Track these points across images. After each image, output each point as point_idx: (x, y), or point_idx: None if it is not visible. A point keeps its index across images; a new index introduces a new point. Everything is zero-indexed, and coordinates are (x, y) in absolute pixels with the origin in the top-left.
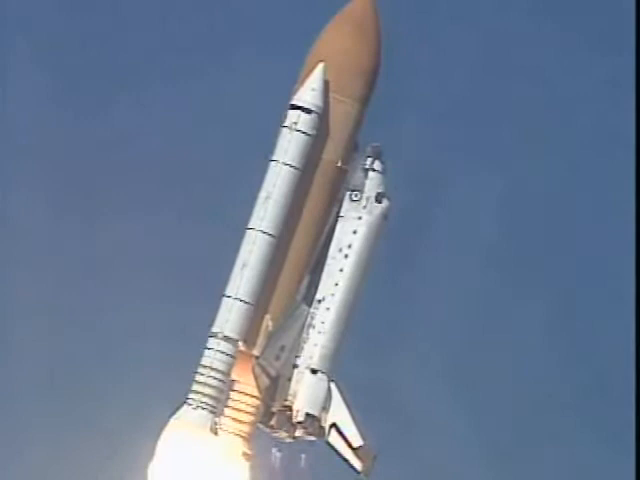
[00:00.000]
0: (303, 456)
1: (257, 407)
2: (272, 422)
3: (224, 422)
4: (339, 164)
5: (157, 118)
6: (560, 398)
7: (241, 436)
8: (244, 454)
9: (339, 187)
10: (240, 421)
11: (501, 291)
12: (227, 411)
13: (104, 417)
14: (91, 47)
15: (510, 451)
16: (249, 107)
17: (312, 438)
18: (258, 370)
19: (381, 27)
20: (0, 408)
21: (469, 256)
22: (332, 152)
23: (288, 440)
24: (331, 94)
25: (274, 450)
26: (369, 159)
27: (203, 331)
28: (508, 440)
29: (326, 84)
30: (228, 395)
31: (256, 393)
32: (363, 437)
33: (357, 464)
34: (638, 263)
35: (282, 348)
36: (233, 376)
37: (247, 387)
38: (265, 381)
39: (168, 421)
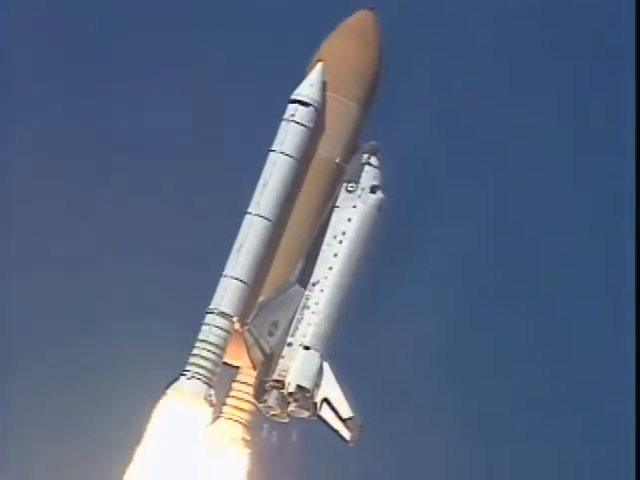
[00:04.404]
0: (295, 431)
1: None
2: (265, 397)
3: (226, 410)
4: (337, 161)
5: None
6: (557, 393)
7: (241, 423)
8: (243, 439)
9: (337, 183)
10: (241, 409)
11: (493, 278)
12: (229, 400)
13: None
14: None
15: (503, 446)
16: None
17: (304, 414)
18: (250, 339)
19: (381, 37)
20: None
21: (460, 247)
22: (330, 149)
23: (282, 420)
24: (330, 94)
25: (266, 426)
26: (365, 155)
27: None
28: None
29: (325, 84)
30: (230, 386)
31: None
32: (352, 409)
33: (346, 434)
34: (638, 264)
35: (275, 324)
36: (235, 362)
37: (248, 377)
38: (259, 355)
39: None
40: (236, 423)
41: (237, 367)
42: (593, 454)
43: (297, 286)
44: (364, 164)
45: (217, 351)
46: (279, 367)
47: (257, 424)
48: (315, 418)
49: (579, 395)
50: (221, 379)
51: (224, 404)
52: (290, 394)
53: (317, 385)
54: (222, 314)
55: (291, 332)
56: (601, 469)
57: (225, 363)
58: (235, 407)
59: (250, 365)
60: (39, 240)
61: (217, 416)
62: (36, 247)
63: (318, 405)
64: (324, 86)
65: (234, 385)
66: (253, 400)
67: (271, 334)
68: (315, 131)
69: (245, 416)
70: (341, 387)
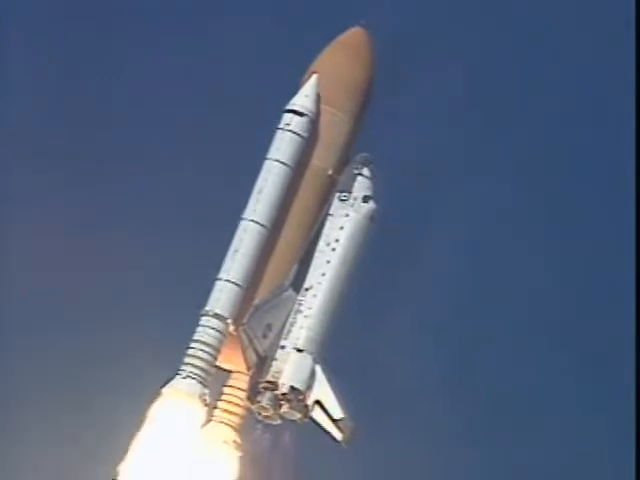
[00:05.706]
0: (287, 433)
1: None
2: (258, 398)
3: (217, 413)
4: (330, 172)
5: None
6: (557, 392)
7: (232, 427)
8: (234, 442)
9: (329, 193)
10: (232, 413)
11: (484, 285)
12: (220, 403)
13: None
14: None
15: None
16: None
17: (296, 415)
18: (245, 339)
19: (374, 53)
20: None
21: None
22: (323, 159)
23: (274, 422)
24: (323, 106)
25: (258, 427)
26: (358, 166)
27: None
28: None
29: (319, 96)
30: (222, 390)
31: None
32: (344, 411)
33: (337, 435)
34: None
35: (269, 327)
36: (227, 365)
37: (240, 382)
38: (253, 356)
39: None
40: (227, 426)
41: (229, 371)
42: (593, 454)
43: (290, 290)
44: (356, 175)
45: (211, 352)
46: (272, 369)
47: (249, 427)
48: (307, 420)
49: (578, 395)
50: (213, 383)
51: (215, 407)
52: (283, 395)
53: (309, 387)
54: (217, 316)
55: (284, 335)
56: (601, 469)
57: (217, 367)
58: (227, 411)
59: (243, 368)
60: (40, 240)
61: (209, 419)
62: (36, 247)
63: (310, 407)
64: (318, 98)
65: (225, 389)
66: (245, 404)
67: (265, 336)
68: (309, 141)
69: (236, 419)
70: (333, 390)
